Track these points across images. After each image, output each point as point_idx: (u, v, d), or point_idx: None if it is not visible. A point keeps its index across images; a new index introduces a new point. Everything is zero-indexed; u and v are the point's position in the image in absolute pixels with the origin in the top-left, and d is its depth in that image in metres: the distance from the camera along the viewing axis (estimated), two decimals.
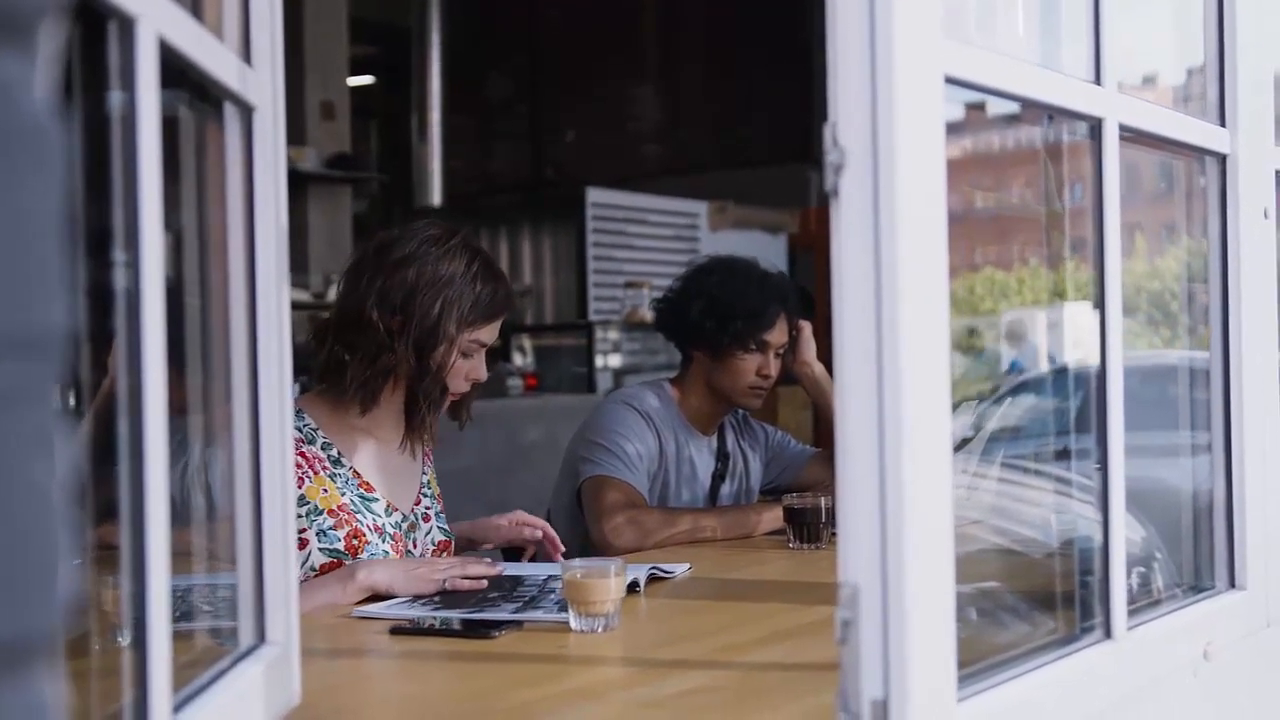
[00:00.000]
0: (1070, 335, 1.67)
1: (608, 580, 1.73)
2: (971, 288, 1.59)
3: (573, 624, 1.73)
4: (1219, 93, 1.68)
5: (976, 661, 1.20)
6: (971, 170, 1.62)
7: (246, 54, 1.22)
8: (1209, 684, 1.58)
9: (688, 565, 2.22)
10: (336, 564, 2.06)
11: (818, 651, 1.57)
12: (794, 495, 2.54)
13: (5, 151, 0.54)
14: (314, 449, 2.12)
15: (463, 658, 1.65)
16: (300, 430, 2.11)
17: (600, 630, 1.72)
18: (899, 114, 1.04)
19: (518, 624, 1.77)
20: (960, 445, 1.75)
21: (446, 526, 2.31)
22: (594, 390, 6.58)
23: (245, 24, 1.22)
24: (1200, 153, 1.68)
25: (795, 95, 8.21)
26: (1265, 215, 1.72)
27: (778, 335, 2.76)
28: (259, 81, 1.23)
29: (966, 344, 1.58)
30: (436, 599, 1.94)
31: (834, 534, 1.97)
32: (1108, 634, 1.39)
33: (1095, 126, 1.40)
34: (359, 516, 2.12)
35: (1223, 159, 1.68)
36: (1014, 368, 1.97)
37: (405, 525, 2.20)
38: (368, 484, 2.16)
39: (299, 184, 6.83)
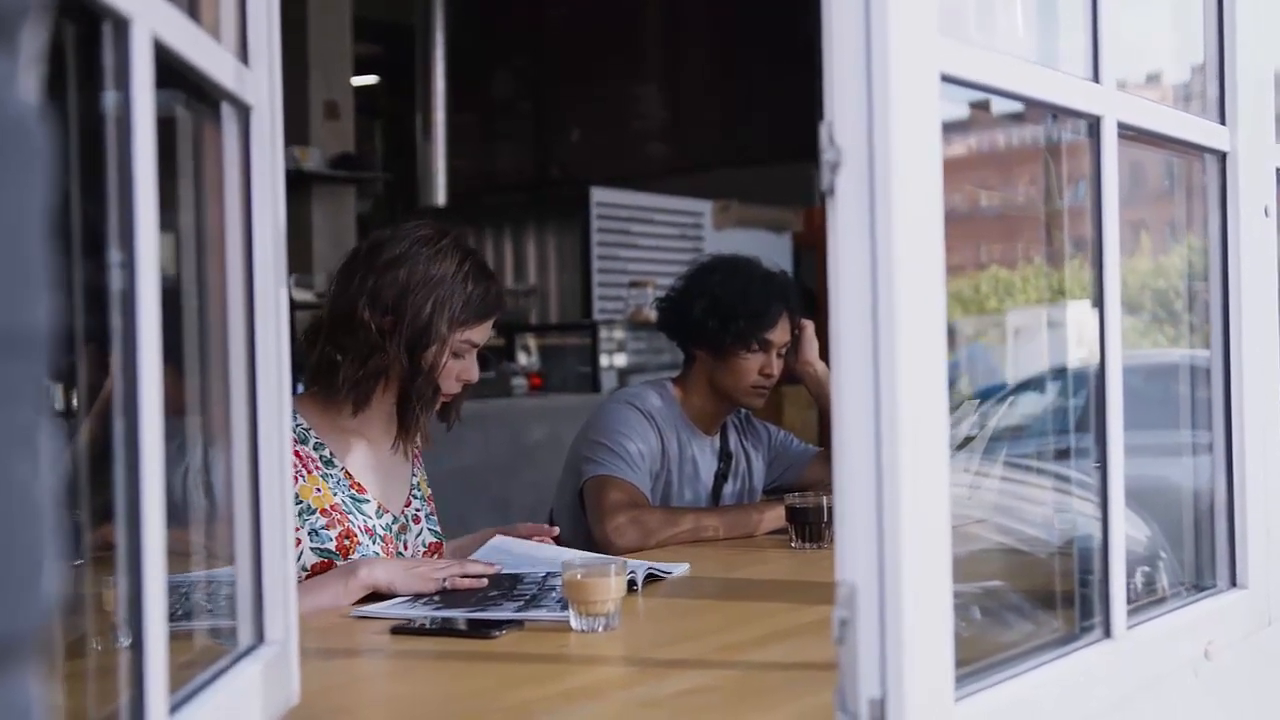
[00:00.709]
0: (1072, 334, 1.66)
1: (608, 580, 1.73)
2: (977, 286, 1.59)
3: (573, 624, 1.73)
4: (1219, 90, 1.68)
5: (975, 660, 1.20)
6: (977, 169, 1.61)
7: (243, 54, 1.22)
8: (1210, 683, 1.58)
9: (686, 565, 2.22)
10: (328, 564, 2.06)
11: (818, 651, 1.56)
12: (796, 495, 2.53)
13: None
14: (307, 449, 2.12)
15: (463, 657, 1.65)
16: (293, 430, 2.10)
17: (601, 630, 1.72)
18: (895, 113, 1.04)
19: (519, 623, 1.77)
20: (963, 444, 1.75)
21: (438, 528, 2.31)
22: (598, 390, 6.57)
23: (242, 24, 1.22)
24: (1200, 150, 1.68)
25: (799, 93, 8.18)
26: (1266, 213, 1.72)
27: (780, 334, 2.76)
28: (256, 81, 1.23)
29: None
30: (436, 598, 1.94)
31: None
32: (1107, 633, 1.38)
33: (1094, 124, 1.39)
34: (351, 517, 2.12)
35: (1223, 157, 1.68)
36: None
37: (396, 527, 2.20)
38: (359, 485, 2.16)
39: (303, 184, 6.82)
